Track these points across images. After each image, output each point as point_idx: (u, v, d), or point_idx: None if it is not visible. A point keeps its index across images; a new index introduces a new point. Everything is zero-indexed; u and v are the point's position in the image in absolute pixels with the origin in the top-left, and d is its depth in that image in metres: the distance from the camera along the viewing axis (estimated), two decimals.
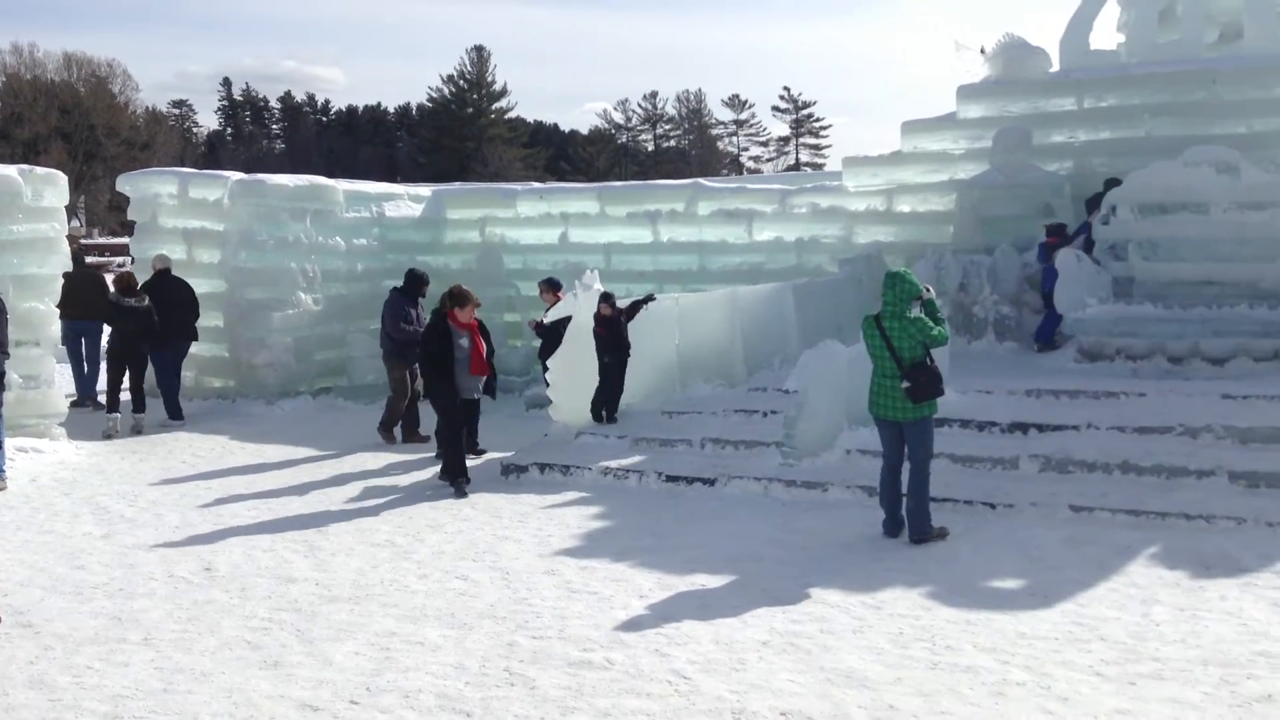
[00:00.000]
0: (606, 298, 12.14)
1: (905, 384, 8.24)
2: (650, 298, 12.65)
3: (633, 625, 6.82)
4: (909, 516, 8.42)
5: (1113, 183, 14.12)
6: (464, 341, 10.72)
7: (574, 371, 12.22)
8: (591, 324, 12.07)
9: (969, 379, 11.87)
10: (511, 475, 11.20)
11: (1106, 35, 19.19)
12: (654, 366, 12.70)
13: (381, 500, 10.47)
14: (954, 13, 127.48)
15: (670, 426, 11.91)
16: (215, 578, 8.07)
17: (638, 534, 8.93)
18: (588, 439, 11.86)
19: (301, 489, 11.03)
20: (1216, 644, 6.20)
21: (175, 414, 14.93)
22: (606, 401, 12.21)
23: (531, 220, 19.97)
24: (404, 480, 11.38)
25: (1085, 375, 12.30)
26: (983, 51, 18.08)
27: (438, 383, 10.78)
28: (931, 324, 8.34)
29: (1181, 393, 11.05)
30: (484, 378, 11.07)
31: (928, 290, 8.51)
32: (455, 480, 10.60)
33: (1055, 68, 17.37)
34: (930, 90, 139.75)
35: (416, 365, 13.40)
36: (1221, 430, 9.88)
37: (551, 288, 13.75)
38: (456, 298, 10.87)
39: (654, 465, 10.79)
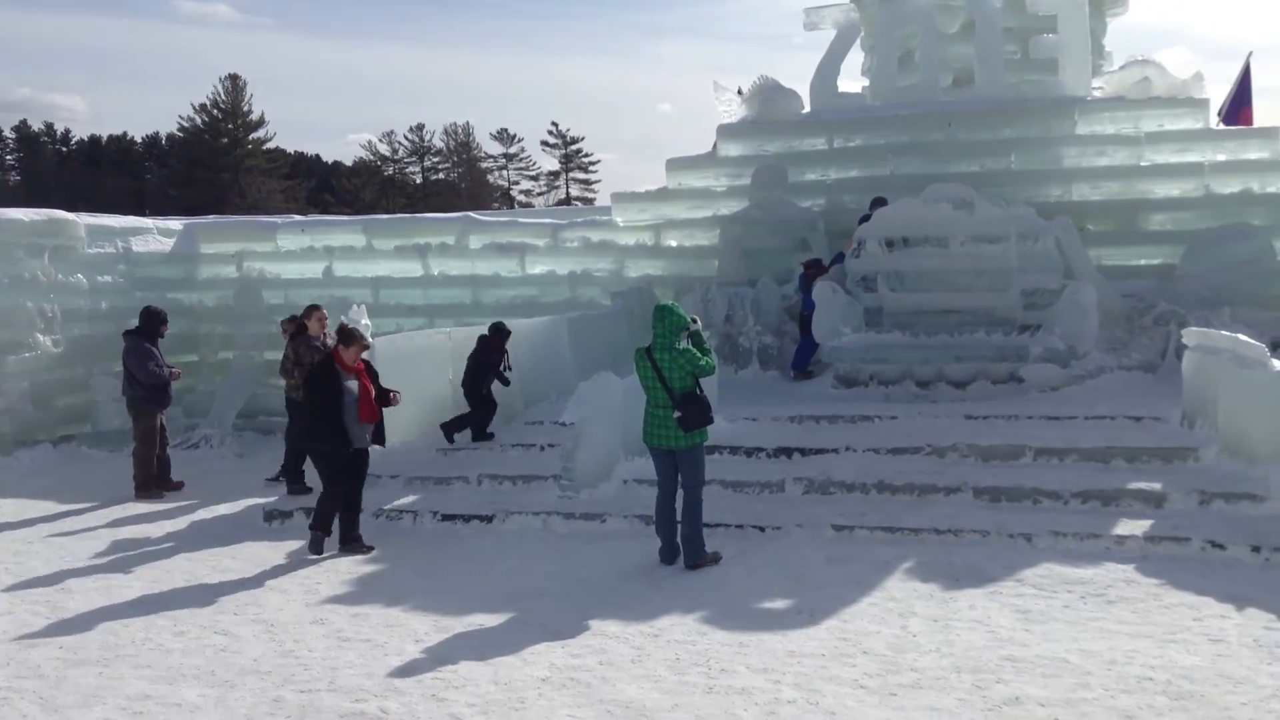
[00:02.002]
0: (501, 329, 12.66)
1: (677, 413, 8.41)
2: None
3: (408, 671, 6.62)
4: (684, 543, 8.57)
5: (879, 202, 15.01)
6: (352, 385, 9.46)
7: None
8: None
9: (736, 407, 12.25)
10: (275, 521, 10.71)
11: (853, 79, 20.45)
12: (428, 403, 12.46)
13: (132, 554, 9.78)
14: (709, 54, 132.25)
15: (446, 464, 11.70)
16: None
17: (412, 576, 8.70)
18: None
19: (43, 545, 10.18)
20: (968, 651, 6.59)
21: None
22: (480, 422, 12.39)
23: (293, 254, 19.29)
24: (157, 532, 10.69)
25: (843, 400, 12.92)
26: (740, 93, 18.87)
27: (325, 433, 9.42)
28: (700, 355, 8.56)
29: (929, 415, 11.77)
30: (373, 425, 9.71)
31: (695, 322, 8.74)
32: (315, 532, 9.50)
33: (807, 109, 18.30)
34: (693, 128, 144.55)
35: (165, 411, 12.73)
36: (966, 449, 10.58)
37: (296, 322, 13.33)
38: (342, 336, 9.71)
39: (429, 504, 10.56)
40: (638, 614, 7.47)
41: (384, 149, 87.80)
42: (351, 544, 9.59)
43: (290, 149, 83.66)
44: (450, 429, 12.28)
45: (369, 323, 12.24)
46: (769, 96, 18.21)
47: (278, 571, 9.05)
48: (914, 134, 17.12)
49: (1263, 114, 21.54)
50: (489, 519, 10.09)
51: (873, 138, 17.48)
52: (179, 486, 12.55)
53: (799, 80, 18.69)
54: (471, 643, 7.06)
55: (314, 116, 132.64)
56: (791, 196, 17.07)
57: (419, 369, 12.32)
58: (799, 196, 17.22)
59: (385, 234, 19.18)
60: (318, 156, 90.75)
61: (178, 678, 6.66)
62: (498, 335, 12.64)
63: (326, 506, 9.57)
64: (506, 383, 12.62)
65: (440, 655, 6.85)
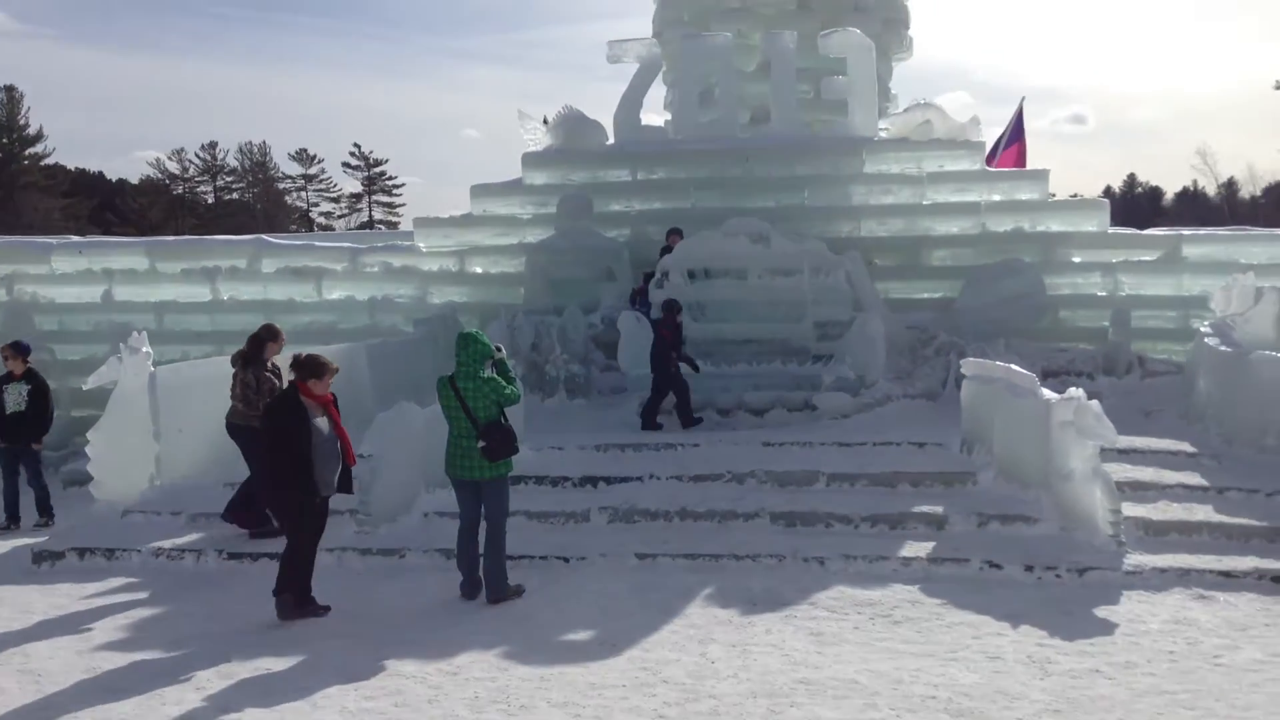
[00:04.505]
0: (672, 305, 13.24)
1: (481, 443, 8.27)
2: None
3: None
4: (486, 577, 8.43)
5: (675, 233, 15.28)
6: (322, 423, 8.12)
7: (118, 444, 11.16)
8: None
9: (542, 436, 12.20)
10: (45, 563, 9.95)
11: (656, 112, 20.88)
12: (212, 435, 11.82)
13: None
14: (516, 81, 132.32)
15: None
16: None
17: (195, 620, 8.22)
18: (136, 518, 10.82)
19: None
20: (764, 676, 6.72)
21: None
22: (682, 406, 13.10)
23: (69, 277, 18.17)
24: None
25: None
26: (545, 121, 18.96)
27: (290, 478, 7.97)
28: (505, 384, 8.46)
29: (729, 442, 12.03)
30: (340, 468, 8.31)
31: (499, 350, 8.64)
32: (299, 599, 8.14)
33: (611, 140, 18.53)
34: (501, 153, 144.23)
35: None
36: (763, 475, 10.84)
37: (18, 352, 12.49)
38: (309, 366, 8.18)
39: (214, 543, 10.02)
40: (436, 652, 7.29)
41: (173, 167, 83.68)
42: (309, 605, 8.23)
43: (71, 165, 78.72)
44: (650, 415, 13.01)
45: (150, 350, 11.55)
46: (573, 127, 18.36)
47: (46, 617, 8.39)
48: (714, 169, 17.59)
49: (1031, 154, 23.24)
50: (278, 556, 9.63)
51: (675, 171, 17.86)
52: None
53: (604, 110, 18.94)
54: (256, 689, 6.71)
55: (98, 132, 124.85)
56: (597, 226, 17.22)
57: (205, 399, 11.71)
58: (604, 226, 17.40)
59: (171, 256, 18.29)
60: (101, 174, 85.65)
61: None
62: (669, 312, 13.16)
63: (295, 562, 8.19)
64: (696, 368, 13.28)
65: (224, 703, 6.48)
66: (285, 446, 7.96)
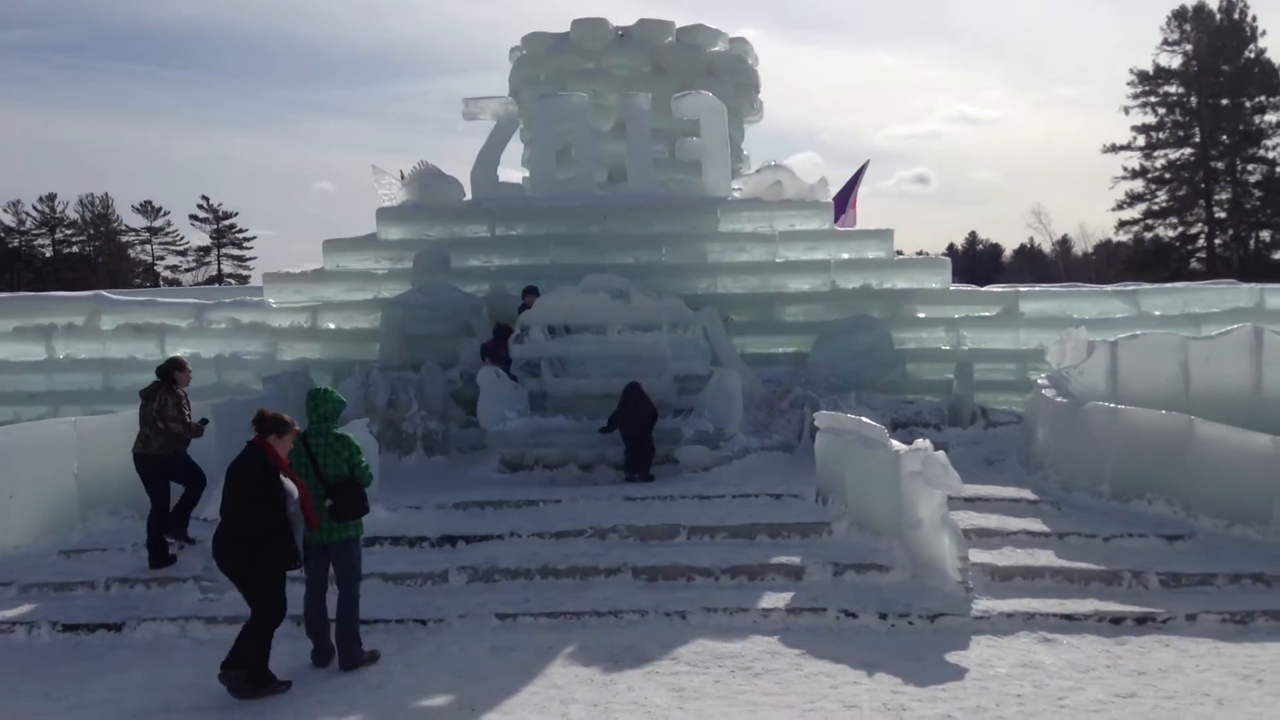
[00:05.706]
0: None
1: (329, 502, 8.01)
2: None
3: None
4: (338, 643, 8.14)
5: (530, 291, 15.31)
6: (290, 484, 7.63)
7: None
8: None
9: (399, 495, 11.94)
10: None
11: (514, 168, 20.99)
12: (46, 500, 11.23)
13: None
14: (371, 134, 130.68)
15: (68, 568, 10.54)
16: None
17: (26, 697, 7.71)
18: None
19: None
20: None
21: None
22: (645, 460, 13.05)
23: None
24: None
25: (508, 485, 12.94)
26: (401, 177, 18.82)
27: (271, 545, 7.43)
28: (359, 452, 8.19)
29: (591, 497, 12.00)
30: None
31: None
32: (270, 684, 7.58)
33: (469, 196, 18.51)
34: (357, 207, 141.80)
35: None
36: (625, 530, 10.84)
37: None
38: (274, 422, 7.69)
39: (47, 614, 9.44)
40: None
41: (8, 219, 79.78)
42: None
43: None
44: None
45: None
46: (429, 182, 18.29)
47: None
48: (572, 225, 17.73)
49: (878, 214, 24.56)
50: (118, 627, 9.15)
51: (533, 227, 17.93)
52: None
53: (461, 166, 18.94)
54: None
55: None
56: (455, 281, 17.11)
57: (38, 464, 11.14)
58: (462, 282, 17.30)
59: (3, 314, 17.38)
60: None
61: None
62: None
63: (263, 652, 7.61)
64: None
65: None
66: (268, 513, 7.42)
